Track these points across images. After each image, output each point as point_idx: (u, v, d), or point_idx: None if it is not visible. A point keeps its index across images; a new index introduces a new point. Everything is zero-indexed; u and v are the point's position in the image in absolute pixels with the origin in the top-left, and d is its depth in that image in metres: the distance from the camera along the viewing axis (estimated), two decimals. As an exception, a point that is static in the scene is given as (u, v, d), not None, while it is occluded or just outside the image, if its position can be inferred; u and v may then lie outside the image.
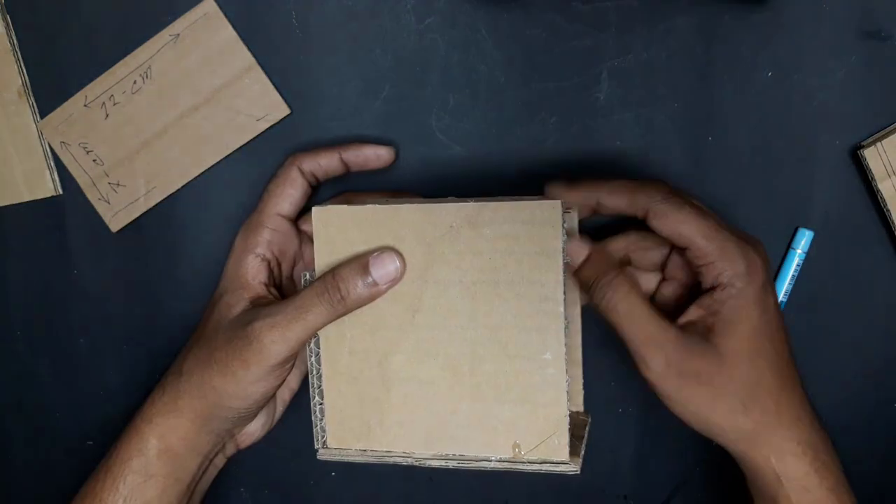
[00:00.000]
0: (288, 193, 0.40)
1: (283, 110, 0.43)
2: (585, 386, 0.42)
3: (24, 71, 0.42)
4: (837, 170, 0.43)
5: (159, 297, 0.45)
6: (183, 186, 0.44)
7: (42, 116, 0.43)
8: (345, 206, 0.36)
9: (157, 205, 0.44)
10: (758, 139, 0.43)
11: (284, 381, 0.38)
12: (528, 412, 0.36)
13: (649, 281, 0.41)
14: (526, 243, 0.35)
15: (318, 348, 0.37)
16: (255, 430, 0.42)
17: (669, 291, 0.40)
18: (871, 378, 0.47)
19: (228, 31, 0.41)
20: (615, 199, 0.36)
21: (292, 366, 0.38)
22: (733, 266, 0.35)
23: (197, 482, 0.40)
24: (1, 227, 0.45)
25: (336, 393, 0.38)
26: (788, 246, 0.44)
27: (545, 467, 0.36)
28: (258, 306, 0.38)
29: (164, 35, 0.41)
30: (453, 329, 0.36)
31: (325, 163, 0.40)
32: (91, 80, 0.42)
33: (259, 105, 0.42)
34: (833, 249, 0.45)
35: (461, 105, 0.43)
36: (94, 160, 0.43)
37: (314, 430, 0.38)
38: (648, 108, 0.42)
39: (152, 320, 0.46)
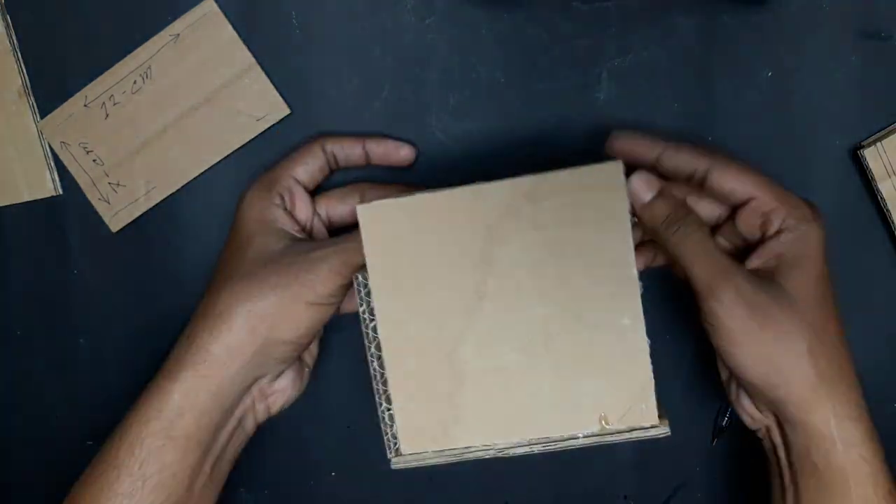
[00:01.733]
0: (306, 161, 0.41)
1: (283, 110, 0.43)
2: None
3: (24, 71, 0.42)
4: (837, 170, 0.43)
5: (159, 297, 0.45)
6: (183, 186, 0.44)
7: (42, 116, 0.43)
8: (391, 200, 0.35)
9: (157, 205, 0.44)
10: (758, 139, 0.43)
11: (326, 321, 0.39)
12: (611, 382, 0.35)
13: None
14: (590, 210, 0.33)
15: (380, 351, 0.36)
16: (284, 386, 0.40)
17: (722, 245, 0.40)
18: (871, 378, 0.47)
19: (228, 31, 0.41)
20: (679, 154, 0.36)
21: (339, 302, 0.38)
22: (798, 210, 0.36)
23: (223, 447, 0.39)
24: (1, 227, 0.45)
25: (405, 396, 0.36)
26: (788, 246, 0.44)
27: (635, 434, 0.36)
28: (302, 241, 0.39)
29: (164, 35, 0.41)
30: (523, 309, 0.35)
31: (348, 147, 0.41)
32: (91, 80, 0.42)
33: (259, 105, 0.42)
34: (833, 249, 0.44)
35: (461, 105, 0.43)
36: (94, 160, 0.43)
37: (385, 438, 0.36)
38: (648, 108, 0.42)
39: (152, 320, 0.46)
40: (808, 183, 0.44)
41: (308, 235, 0.41)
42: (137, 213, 0.44)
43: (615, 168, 0.33)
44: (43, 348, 0.46)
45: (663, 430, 0.36)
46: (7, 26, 0.42)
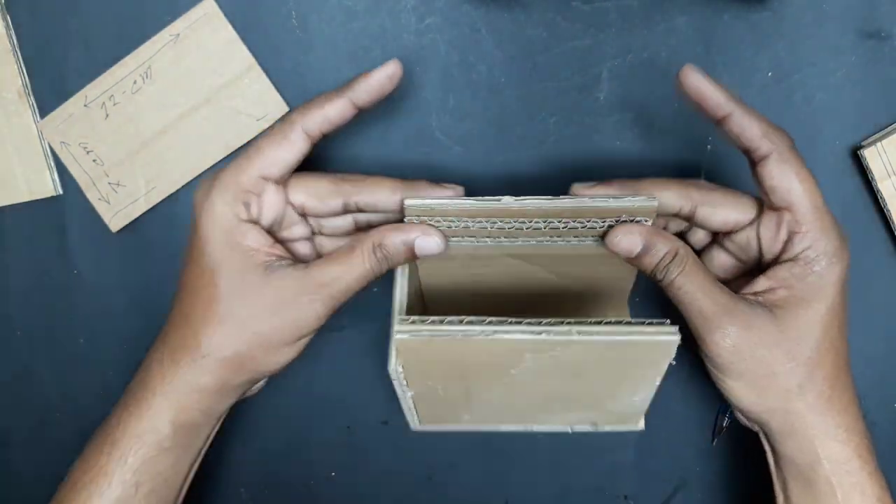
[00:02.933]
0: (281, 158, 0.36)
1: (283, 110, 0.42)
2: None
3: (24, 71, 0.42)
4: (837, 170, 0.43)
5: (159, 297, 0.45)
6: (183, 186, 0.44)
7: (42, 116, 0.43)
8: (427, 335, 0.33)
9: (157, 205, 0.44)
10: (758, 139, 0.43)
11: None
12: (610, 415, 0.41)
13: (705, 236, 0.40)
14: (639, 358, 0.35)
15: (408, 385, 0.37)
16: (262, 384, 0.41)
17: (724, 259, 0.40)
18: (871, 378, 0.47)
19: (228, 31, 0.41)
20: (747, 122, 0.34)
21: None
22: (827, 243, 0.35)
23: (206, 446, 0.40)
24: (1, 227, 0.45)
25: (428, 406, 0.40)
26: (788, 246, 0.44)
27: (618, 428, 0.42)
28: (279, 268, 0.36)
29: (164, 35, 0.41)
30: (544, 386, 0.37)
31: (336, 115, 0.35)
32: (91, 80, 0.42)
33: (259, 105, 0.42)
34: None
35: (461, 105, 0.43)
36: (94, 160, 0.43)
37: (406, 413, 0.40)
38: (648, 108, 0.42)
39: (152, 320, 0.46)
40: (808, 183, 0.44)
41: (277, 229, 0.38)
42: (137, 213, 0.44)
43: (671, 344, 0.34)
44: (43, 348, 0.46)
45: (640, 427, 0.42)
46: (7, 26, 0.42)
